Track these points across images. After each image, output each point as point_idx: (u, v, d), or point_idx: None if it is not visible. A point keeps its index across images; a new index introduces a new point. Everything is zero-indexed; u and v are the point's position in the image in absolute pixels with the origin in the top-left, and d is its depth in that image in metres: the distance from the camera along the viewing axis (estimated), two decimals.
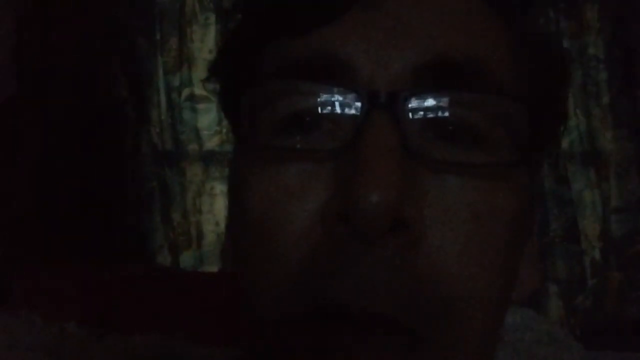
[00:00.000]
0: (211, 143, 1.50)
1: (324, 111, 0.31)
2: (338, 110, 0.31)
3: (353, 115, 0.30)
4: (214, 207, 1.49)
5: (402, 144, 0.29)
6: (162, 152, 1.47)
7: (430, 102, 0.30)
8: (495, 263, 0.30)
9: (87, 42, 1.40)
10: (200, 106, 1.49)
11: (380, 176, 0.27)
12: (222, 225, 1.44)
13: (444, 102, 0.30)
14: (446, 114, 0.30)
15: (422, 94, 0.30)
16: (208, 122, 1.49)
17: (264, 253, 0.30)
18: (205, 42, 1.53)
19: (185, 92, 1.50)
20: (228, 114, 0.39)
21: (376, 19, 0.32)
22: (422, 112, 0.30)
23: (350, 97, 0.30)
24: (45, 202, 1.29)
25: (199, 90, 1.47)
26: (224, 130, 1.47)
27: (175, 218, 1.46)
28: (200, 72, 1.45)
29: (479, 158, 0.30)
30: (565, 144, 1.56)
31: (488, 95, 0.31)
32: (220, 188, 1.48)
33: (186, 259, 1.48)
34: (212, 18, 1.54)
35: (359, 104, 0.30)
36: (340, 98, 0.30)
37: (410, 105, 0.30)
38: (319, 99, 0.31)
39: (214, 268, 1.45)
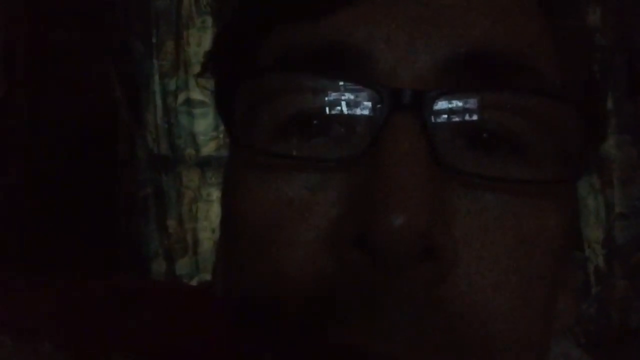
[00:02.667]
0: (208, 148, 1.47)
1: (334, 112, 0.26)
2: (352, 111, 0.26)
3: (370, 117, 0.25)
4: (211, 214, 1.46)
5: (430, 154, 0.24)
6: (157, 158, 1.44)
7: (463, 103, 0.25)
8: (540, 296, 0.26)
9: (80, 44, 1.37)
10: (197, 111, 1.47)
11: (407, 193, 0.23)
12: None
13: (480, 103, 0.26)
14: (482, 117, 0.25)
15: (454, 94, 0.25)
16: (205, 127, 1.46)
17: (262, 279, 0.26)
18: (202, 46, 1.50)
19: (182, 96, 1.47)
20: (223, 114, 0.33)
21: (400, 2, 0.27)
22: (454, 116, 0.25)
23: (367, 95, 0.26)
24: (33, 208, 1.26)
25: (195, 95, 1.44)
26: (221, 136, 1.45)
27: (170, 225, 1.43)
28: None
29: (521, 172, 0.26)
30: None
31: (534, 97, 0.26)
32: (217, 194, 1.45)
33: (182, 266, 1.45)
34: (209, 21, 1.52)
35: (377, 105, 0.25)
36: (355, 97, 0.26)
37: (440, 107, 0.25)
38: (328, 98, 0.26)
39: (210, 276, 1.42)
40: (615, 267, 1.57)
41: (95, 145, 1.39)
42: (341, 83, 0.26)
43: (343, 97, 0.26)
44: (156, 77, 1.45)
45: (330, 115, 0.26)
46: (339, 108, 0.26)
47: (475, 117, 0.25)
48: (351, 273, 0.24)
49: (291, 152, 0.27)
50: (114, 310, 0.40)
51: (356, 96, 0.26)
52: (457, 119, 0.25)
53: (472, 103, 0.25)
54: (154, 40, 1.46)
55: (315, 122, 0.27)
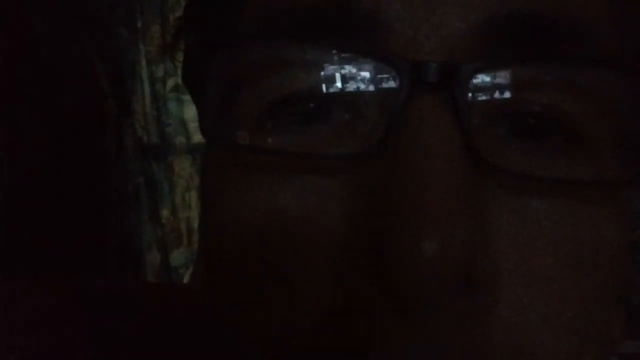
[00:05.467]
0: (199, 135, 1.43)
1: (336, 92, 0.20)
2: (359, 91, 0.20)
3: (384, 99, 0.20)
4: None
5: (466, 147, 0.19)
6: (147, 146, 1.40)
7: (506, 79, 0.20)
8: (600, 328, 0.21)
9: (64, 31, 1.33)
10: (187, 97, 1.42)
11: (441, 207, 0.17)
12: None
13: (526, 79, 0.20)
14: (529, 97, 0.20)
15: (492, 67, 0.20)
16: (195, 113, 1.42)
17: (257, 319, 0.21)
18: None
19: (170, 82, 1.43)
20: (195, 96, 0.27)
21: None
22: (492, 95, 0.20)
23: (380, 71, 0.20)
24: (19, 203, 1.23)
25: None
26: None
27: (164, 215, 1.40)
28: None
29: (579, 169, 0.20)
30: None
31: (594, 70, 0.20)
32: None
33: (177, 257, 1.41)
34: None
35: (394, 83, 0.20)
36: (364, 73, 0.20)
37: (477, 84, 0.20)
38: (327, 74, 0.20)
39: None
40: None
41: (82, 136, 1.35)
42: (346, 55, 0.20)
43: (348, 74, 0.20)
44: (143, 63, 1.41)
45: (331, 96, 0.20)
46: (341, 87, 0.20)
47: (520, 97, 0.20)
48: (362, 310, 0.19)
49: (281, 146, 0.21)
50: (101, 320, 0.37)
51: (365, 72, 0.20)
52: (498, 100, 0.20)
53: (516, 79, 0.20)
54: (139, 25, 1.41)
55: (311, 105, 0.21)
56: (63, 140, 1.33)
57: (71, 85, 1.34)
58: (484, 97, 0.20)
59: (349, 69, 0.20)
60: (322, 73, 0.21)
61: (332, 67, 0.20)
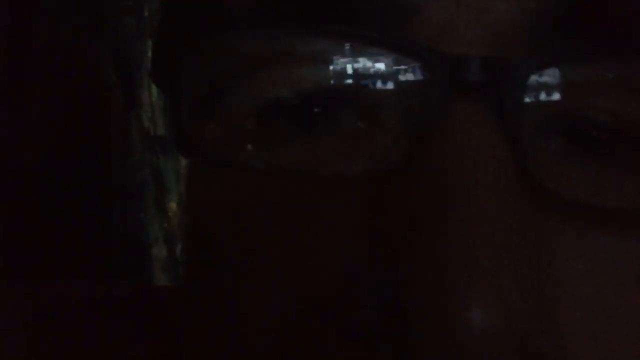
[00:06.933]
0: None
1: (348, 93, 0.17)
2: (379, 91, 0.16)
3: (411, 104, 0.16)
4: None
5: (519, 168, 0.15)
6: (154, 138, 1.38)
7: (563, 79, 0.16)
8: None
9: (69, 21, 1.33)
10: None
11: (492, 261, 0.13)
12: None
13: (592, 79, 0.16)
14: (593, 103, 0.16)
15: (551, 64, 0.16)
16: None
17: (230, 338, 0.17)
18: None
19: None
20: (168, 96, 0.23)
21: None
22: (549, 100, 0.16)
23: (406, 66, 0.16)
24: (19, 195, 1.23)
25: None
26: None
27: (170, 208, 1.38)
28: None
29: None
30: None
31: None
32: None
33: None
34: None
35: (423, 82, 0.16)
36: (386, 69, 0.16)
37: (532, 86, 0.16)
38: (338, 69, 0.16)
39: None
40: None
41: (87, 128, 1.35)
42: (361, 47, 0.16)
43: (363, 70, 0.16)
44: (149, 53, 1.39)
45: (341, 98, 0.17)
46: (355, 87, 0.17)
47: (583, 102, 0.16)
48: None
49: (272, 163, 0.17)
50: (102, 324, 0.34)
51: (385, 68, 0.16)
52: (556, 107, 0.16)
53: (579, 79, 0.16)
54: (146, 14, 1.39)
55: (315, 110, 0.17)
56: (68, 132, 1.33)
57: (76, 76, 1.33)
58: (538, 103, 0.16)
59: (365, 64, 0.16)
60: (331, 69, 0.16)
61: (343, 61, 0.16)
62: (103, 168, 1.36)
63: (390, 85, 0.16)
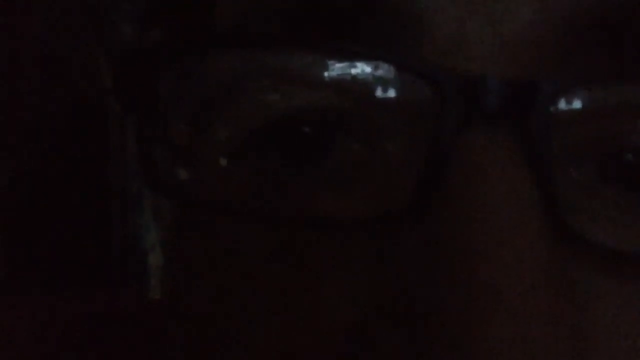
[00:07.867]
0: None
1: (347, 119, 0.14)
2: (381, 118, 0.14)
3: (419, 132, 0.14)
4: None
5: (550, 213, 0.13)
6: None
7: (597, 102, 0.14)
8: None
9: (64, 26, 1.32)
10: None
11: (524, 326, 0.12)
12: None
13: (629, 101, 0.14)
14: (636, 128, 0.14)
15: (582, 84, 0.14)
16: None
17: None
18: None
19: None
20: (136, 120, 0.19)
21: None
22: (581, 128, 0.14)
23: (414, 88, 0.14)
24: (16, 203, 1.23)
25: None
26: None
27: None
28: None
29: None
30: None
31: None
32: None
33: None
34: None
35: (435, 107, 0.14)
36: (389, 90, 0.14)
37: (563, 111, 0.14)
38: (336, 87, 0.14)
39: None
40: None
41: (84, 134, 1.35)
42: (362, 64, 0.14)
43: (363, 91, 0.14)
44: None
45: (337, 122, 0.15)
46: (353, 108, 0.15)
47: (618, 128, 0.14)
48: None
49: (257, 205, 0.15)
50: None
51: (389, 89, 0.14)
52: (589, 134, 0.14)
53: (614, 101, 0.14)
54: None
55: (306, 130, 0.15)
56: (64, 138, 1.33)
57: (73, 81, 1.33)
58: (568, 131, 0.14)
59: (366, 84, 0.14)
60: (330, 91, 0.14)
61: (343, 82, 0.14)
62: (100, 175, 1.36)
63: (395, 110, 0.14)
